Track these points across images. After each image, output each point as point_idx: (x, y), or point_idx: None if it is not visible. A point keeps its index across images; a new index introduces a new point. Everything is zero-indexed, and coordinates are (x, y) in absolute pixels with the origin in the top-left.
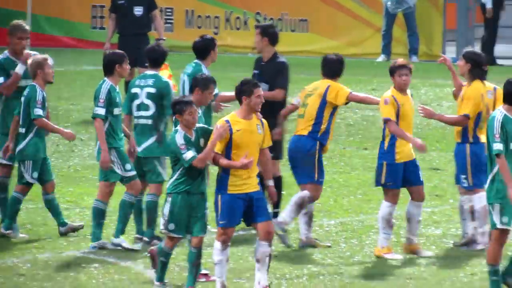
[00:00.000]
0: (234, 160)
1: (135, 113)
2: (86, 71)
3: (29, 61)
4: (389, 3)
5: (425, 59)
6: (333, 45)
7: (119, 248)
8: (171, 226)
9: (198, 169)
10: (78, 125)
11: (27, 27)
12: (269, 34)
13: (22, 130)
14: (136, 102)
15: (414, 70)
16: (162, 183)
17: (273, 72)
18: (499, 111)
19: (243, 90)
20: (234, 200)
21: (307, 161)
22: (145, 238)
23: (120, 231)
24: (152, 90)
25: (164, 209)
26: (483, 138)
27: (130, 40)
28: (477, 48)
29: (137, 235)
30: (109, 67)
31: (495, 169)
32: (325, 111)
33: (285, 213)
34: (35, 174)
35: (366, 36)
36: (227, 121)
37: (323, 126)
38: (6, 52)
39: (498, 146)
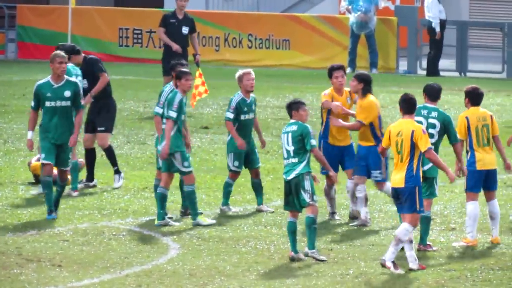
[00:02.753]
0: None
1: None
2: (115, 80)
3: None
4: (354, 26)
5: (383, 71)
6: (309, 59)
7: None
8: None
9: None
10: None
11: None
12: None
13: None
14: None
15: (374, 79)
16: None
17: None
18: None
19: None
20: None
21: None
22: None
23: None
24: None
25: None
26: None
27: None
28: (424, 62)
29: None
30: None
31: None
32: None
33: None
34: (236, 163)
35: (336, 53)
36: None
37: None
38: None
39: None
